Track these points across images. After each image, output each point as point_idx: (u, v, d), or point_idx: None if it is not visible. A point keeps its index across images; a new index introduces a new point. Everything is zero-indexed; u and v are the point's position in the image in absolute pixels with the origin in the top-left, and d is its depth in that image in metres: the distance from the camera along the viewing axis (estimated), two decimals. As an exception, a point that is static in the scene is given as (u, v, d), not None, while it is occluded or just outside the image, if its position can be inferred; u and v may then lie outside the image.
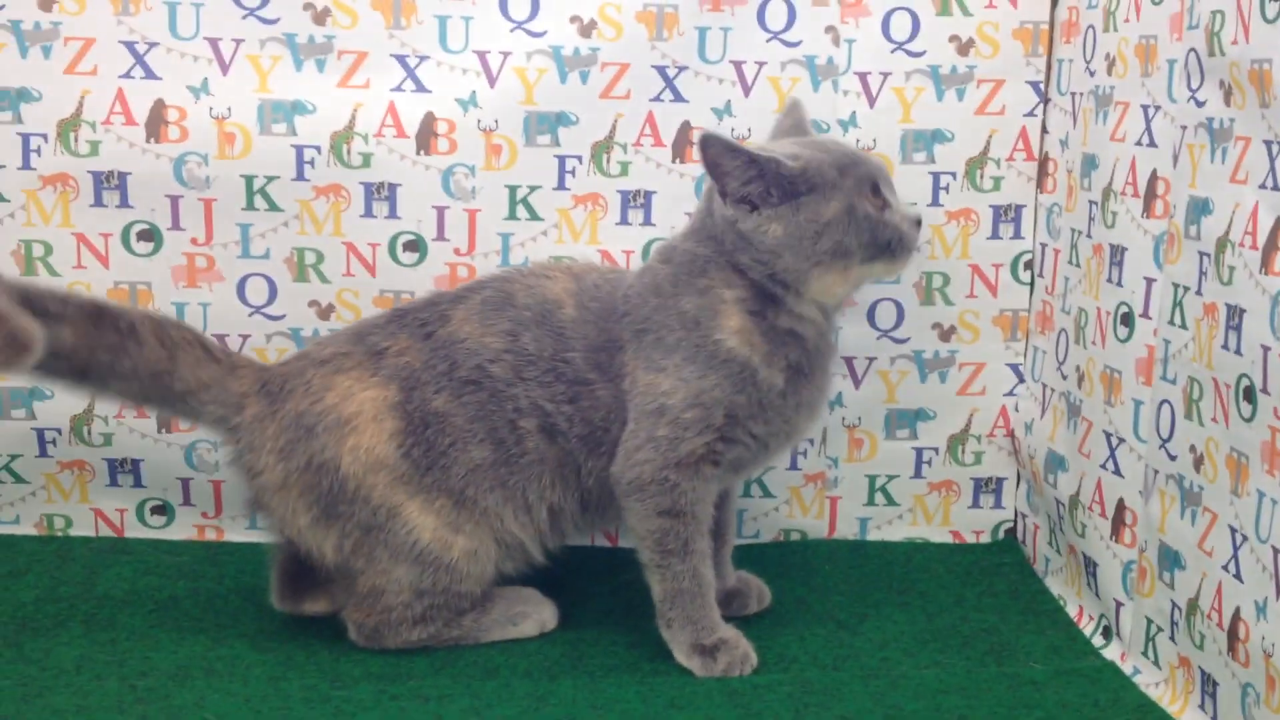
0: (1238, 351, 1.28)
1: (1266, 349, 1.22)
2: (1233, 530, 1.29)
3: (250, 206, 1.72)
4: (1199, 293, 1.37)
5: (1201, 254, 1.37)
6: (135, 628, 1.58)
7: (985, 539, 1.91)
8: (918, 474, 1.88)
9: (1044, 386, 1.78)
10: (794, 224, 1.44)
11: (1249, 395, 1.26)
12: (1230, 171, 1.31)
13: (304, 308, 1.76)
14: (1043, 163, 1.80)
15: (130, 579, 1.72)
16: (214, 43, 1.70)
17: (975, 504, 1.90)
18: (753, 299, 1.48)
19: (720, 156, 1.42)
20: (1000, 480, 1.89)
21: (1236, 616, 1.28)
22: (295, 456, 1.49)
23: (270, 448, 1.50)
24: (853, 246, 1.45)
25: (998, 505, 1.90)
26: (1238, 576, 1.28)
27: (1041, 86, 1.78)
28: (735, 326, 1.47)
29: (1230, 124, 1.32)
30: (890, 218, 1.47)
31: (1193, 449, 1.38)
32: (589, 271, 1.58)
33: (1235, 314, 1.29)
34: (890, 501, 1.88)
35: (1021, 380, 1.85)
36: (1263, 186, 1.26)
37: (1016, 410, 1.86)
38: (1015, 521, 1.90)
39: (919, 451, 1.87)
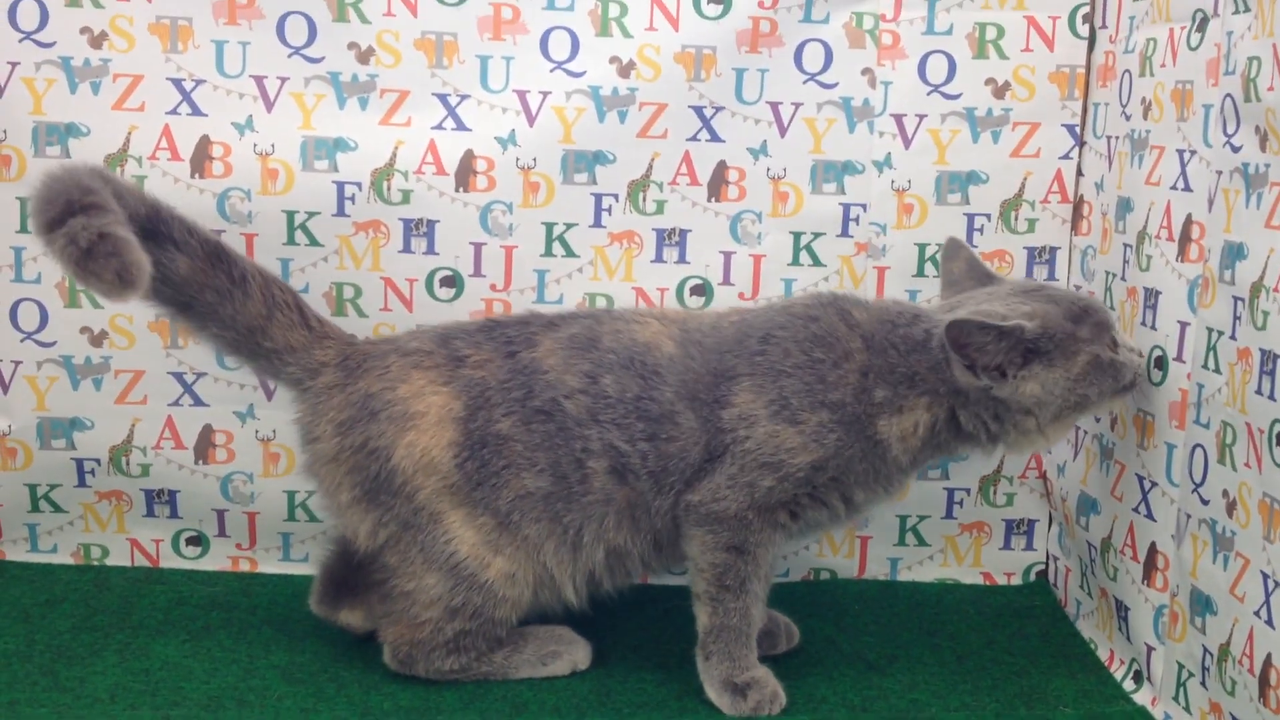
0: (1271, 397, 1.28)
1: (1301, 394, 1.22)
2: (1265, 576, 1.28)
3: (291, 241, 1.75)
4: (1233, 337, 1.37)
5: (1236, 298, 1.37)
6: (169, 657, 1.60)
7: (1016, 581, 1.90)
8: (949, 514, 1.87)
9: (1077, 429, 1.77)
10: (1048, 381, 1.46)
11: (1282, 440, 1.25)
12: (1266, 217, 1.32)
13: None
14: (1077, 205, 1.80)
15: (165, 609, 1.74)
16: (259, 80, 1.73)
17: (1007, 545, 1.89)
18: (943, 429, 1.50)
19: (970, 337, 1.43)
20: (1032, 522, 1.89)
21: (1268, 663, 1.27)
22: (353, 434, 1.53)
23: (332, 418, 1.54)
24: (1095, 395, 1.48)
25: (1029, 547, 1.89)
26: (1269, 623, 1.27)
27: (1077, 129, 1.78)
28: (906, 431, 1.49)
29: (1266, 169, 1.32)
30: (1125, 357, 1.50)
31: (1225, 494, 1.37)
32: (689, 319, 1.58)
33: (1269, 359, 1.29)
34: (921, 542, 1.88)
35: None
36: (1292, 231, 1.26)
37: (1049, 452, 1.85)
38: (1047, 564, 1.90)
39: (950, 492, 1.86)
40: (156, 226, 1.50)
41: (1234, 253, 1.37)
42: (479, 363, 1.53)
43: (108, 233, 1.35)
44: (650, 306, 1.68)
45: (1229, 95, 1.39)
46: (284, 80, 1.72)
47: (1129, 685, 1.58)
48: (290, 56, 1.72)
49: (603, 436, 1.50)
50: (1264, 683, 1.27)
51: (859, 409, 1.47)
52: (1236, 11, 1.38)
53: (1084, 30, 1.76)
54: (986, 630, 1.75)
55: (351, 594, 1.63)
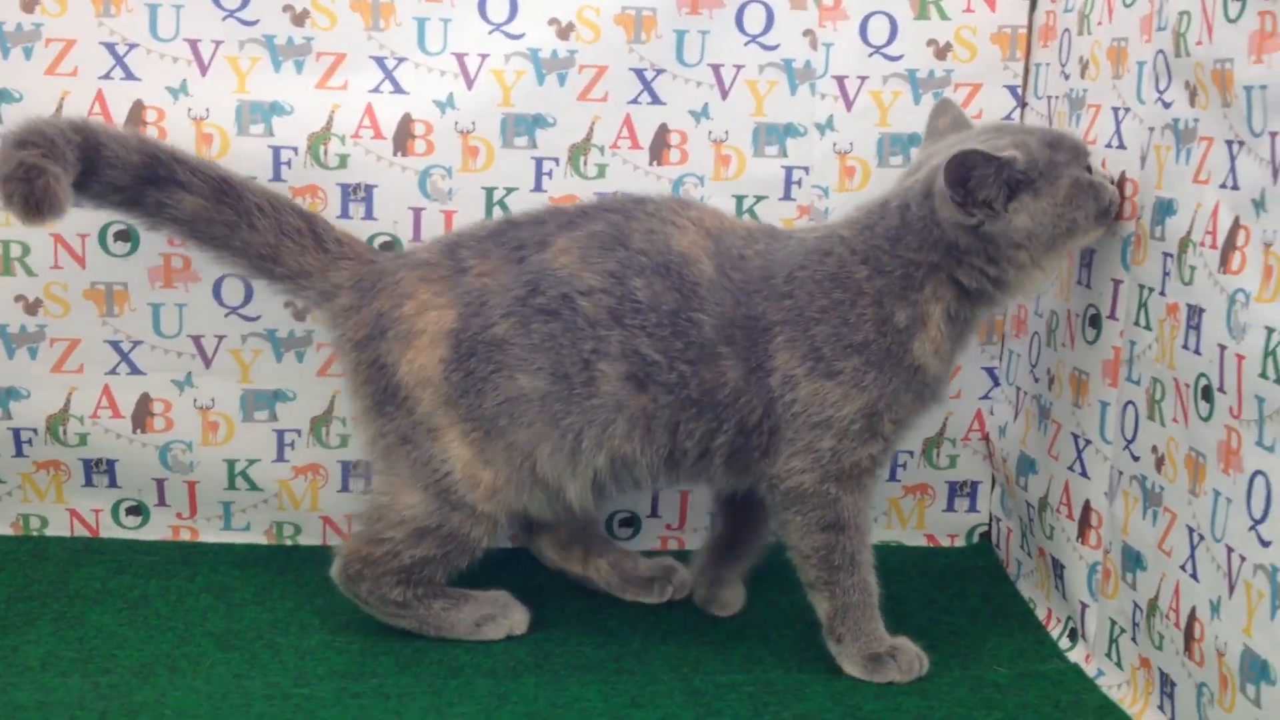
0: (1197, 351, 1.28)
1: (1223, 348, 1.22)
2: (1190, 530, 1.28)
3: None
4: (1163, 293, 1.37)
5: (1165, 254, 1.37)
6: (104, 626, 1.59)
7: (960, 543, 1.91)
8: (892, 477, 1.88)
9: (1018, 389, 1.78)
10: (1036, 211, 1.42)
11: (1207, 394, 1.26)
12: (1193, 172, 1.32)
13: (279, 308, 1.77)
14: (1018, 167, 1.80)
15: (102, 578, 1.72)
16: (193, 44, 1.71)
17: (950, 508, 1.90)
18: (957, 306, 1.47)
19: (974, 169, 1.39)
20: (975, 484, 1.89)
21: (1193, 616, 1.27)
22: (367, 350, 1.56)
23: (350, 337, 1.58)
24: (1082, 220, 1.44)
25: (972, 509, 1.90)
26: (1194, 576, 1.28)
27: (1019, 90, 1.78)
28: (933, 337, 1.46)
29: (1195, 124, 1.32)
30: (1102, 180, 1.47)
31: (1154, 449, 1.38)
32: (727, 233, 1.53)
33: (1195, 314, 1.29)
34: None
35: (997, 384, 1.85)
36: (1223, 186, 1.26)
37: (991, 414, 1.86)
38: (990, 525, 1.90)
39: (894, 455, 1.86)
40: (156, 171, 1.54)
41: (1164, 209, 1.37)
42: (483, 272, 1.52)
43: (29, 163, 1.41)
44: (684, 199, 1.62)
45: (1161, 51, 1.39)
46: (218, 44, 1.70)
47: (1064, 643, 1.58)
48: (225, 19, 1.70)
49: (626, 341, 1.47)
50: (1189, 636, 1.28)
51: (887, 342, 1.44)
52: (1167, -32, 1.38)
53: (1025, -10, 1.76)
54: (927, 591, 1.75)
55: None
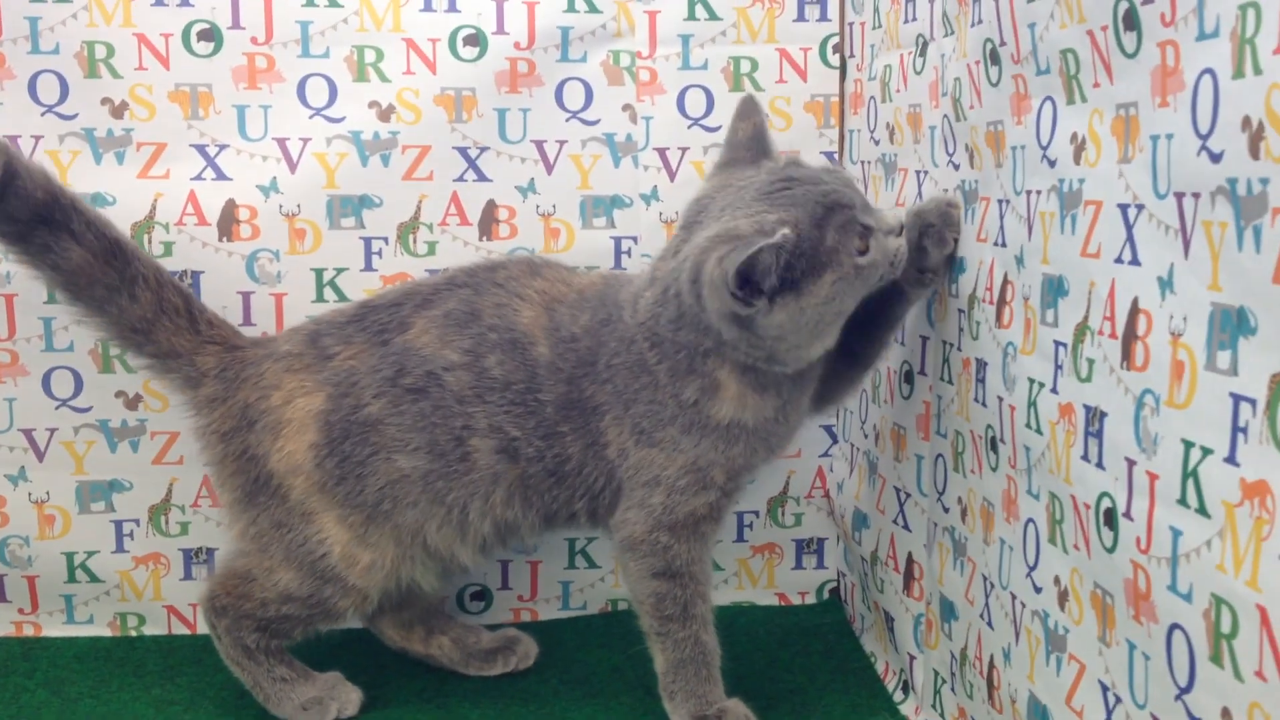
0: (983, 404, 1.32)
1: (1000, 399, 1.26)
2: (984, 578, 1.31)
3: (51, 300, 1.71)
4: (959, 348, 1.41)
5: (959, 311, 1.41)
6: None
7: (810, 599, 1.93)
8: (740, 537, 1.90)
9: (852, 445, 1.81)
10: (795, 311, 1.33)
11: (994, 445, 1.29)
12: (976, 230, 1.36)
13: (110, 398, 1.76)
14: (840, 229, 1.84)
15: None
16: (13, 140, 1.70)
17: (799, 565, 1.92)
18: (747, 369, 1.41)
19: (759, 268, 1.29)
20: (822, 540, 1.92)
21: (991, 664, 1.30)
22: (234, 441, 1.55)
23: (215, 428, 1.56)
24: (849, 304, 1.37)
25: (820, 565, 1.92)
26: (990, 624, 1.30)
27: (835, 156, 1.83)
28: (731, 395, 1.43)
29: (975, 185, 1.37)
30: (875, 254, 1.35)
31: (959, 500, 1.41)
32: (559, 303, 1.53)
33: (981, 367, 1.33)
34: (715, 567, 1.90)
35: (835, 440, 1.88)
36: (996, 244, 1.30)
37: (831, 470, 1.89)
38: (838, 581, 1.92)
39: (739, 515, 1.89)
40: (53, 213, 1.51)
41: (957, 267, 1.42)
42: (349, 355, 1.53)
43: None
44: (529, 259, 1.60)
45: (945, 115, 1.44)
46: (38, 139, 1.70)
47: (899, 696, 1.60)
48: (44, 114, 1.70)
49: (489, 416, 1.49)
50: (990, 684, 1.31)
51: (688, 414, 1.44)
52: (946, 35, 1.43)
53: (835, 60, 1.81)
54: (772, 650, 1.77)
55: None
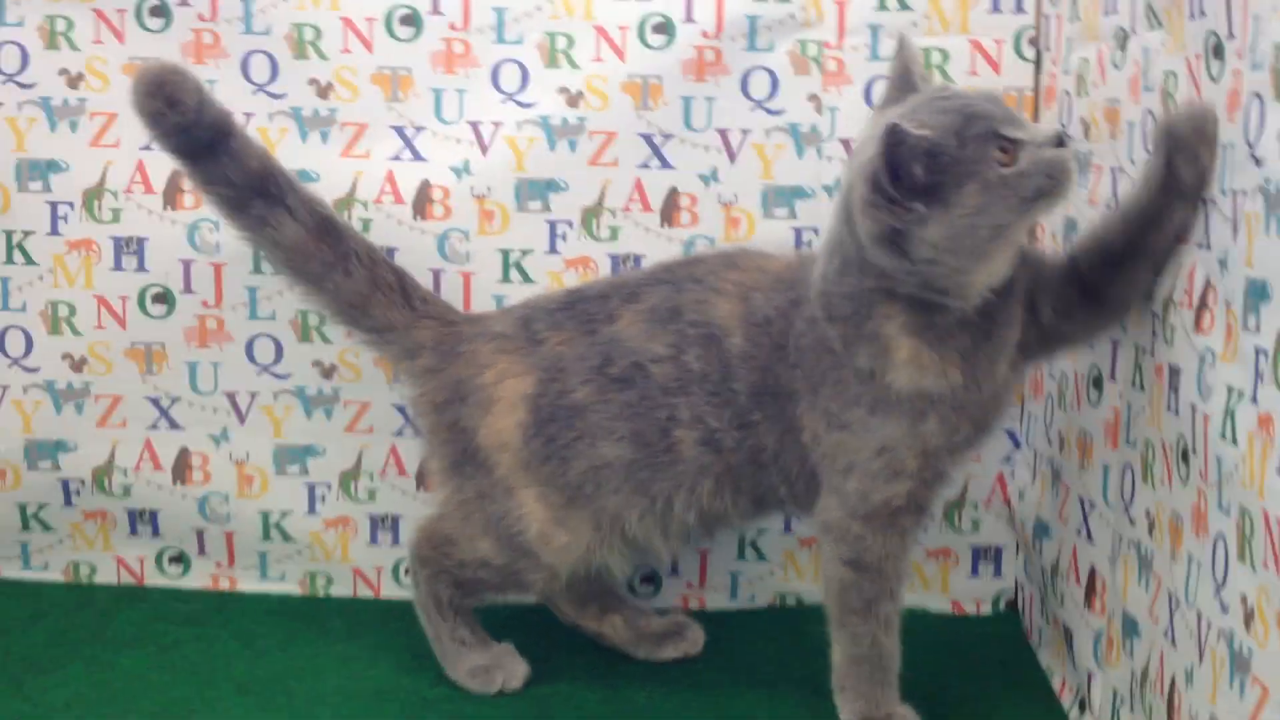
0: (1176, 412, 1.26)
1: (1194, 408, 1.20)
2: (1169, 595, 1.26)
3: (257, 270, 1.81)
4: (1152, 354, 1.35)
5: (1154, 314, 1.35)
6: (132, 670, 1.65)
7: (986, 609, 1.88)
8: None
9: (1035, 452, 1.76)
10: (945, 222, 1.29)
11: (1185, 456, 1.23)
12: (1178, 232, 1.30)
13: (308, 367, 1.84)
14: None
15: (139, 624, 1.79)
16: (230, 115, 1.79)
17: (975, 573, 1.87)
18: (914, 315, 1.37)
19: (904, 159, 1.26)
20: (999, 549, 1.86)
21: (1172, 685, 1.24)
22: (446, 413, 1.61)
23: (430, 398, 1.62)
24: (1006, 218, 1.30)
25: (997, 574, 1.87)
26: (1173, 642, 1.24)
27: (1032, 151, 1.77)
28: (905, 357, 1.37)
29: (1178, 184, 1.31)
30: (1026, 164, 1.29)
31: (1147, 513, 1.35)
32: (755, 290, 1.52)
33: (1175, 374, 1.27)
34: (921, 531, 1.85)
35: (1018, 446, 1.83)
36: (1200, 245, 1.24)
37: (1013, 477, 1.83)
38: (1016, 592, 1.87)
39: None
40: (267, 186, 1.58)
41: (1151, 269, 1.36)
42: (559, 342, 1.57)
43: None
44: (727, 252, 1.62)
45: (1149, 111, 1.38)
46: (249, 116, 1.79)
47: (1075, 714, 1.55)
48: (254, 93, 1.79)
49: (693, 408, 1.51)
50: (1170, 706, 1.25)
51: (869, 390, 1.40)
52: (1151, 28, 1.37)
53: (1030, 53, 1.75)
54: (944, 659, 1.72)
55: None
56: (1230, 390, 1.12)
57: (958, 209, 1.29)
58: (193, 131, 1.53)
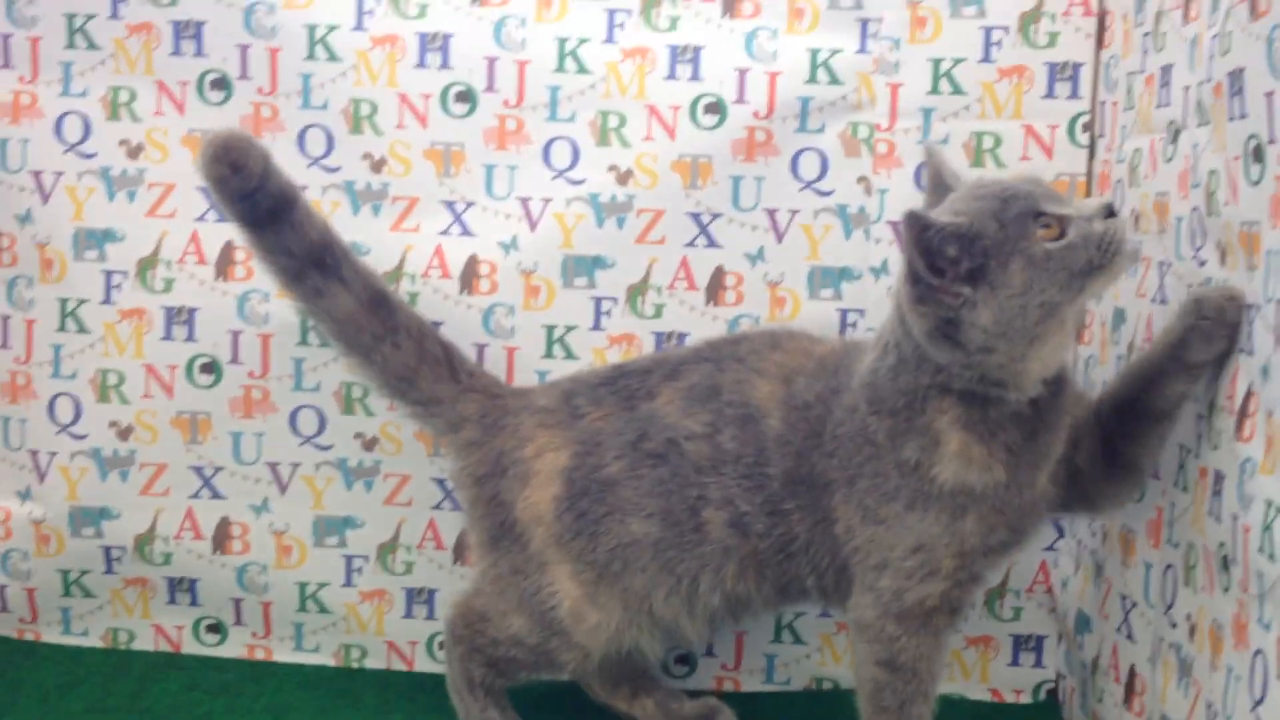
0: (1218, 518, 1.24)
1: (1235, 517, 1.18)
2: (1208, 705, 1.23)
3: (304, 341, 1.83)
4: (1197, 455, 1.33)
5: (1199, 415, 1.33)
6: (166, 739, 1.67)
7: (1026, 699, 1.84)
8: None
9: (1078, 542, 1.73)
10: (995, 305, 1.29)
11: (1225, 564, 1.21)
12: (1223, 333, 1.28)
13: (350, 438, 1.85)
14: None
15: (175, 693, 1.80)
16: (282, 189, 1.82)
17: (1015, 661, 1.84)
18: (968, 409, 1.36)
19: (936, 246, 1.29)
20: (1041, 638, 1.83)
21: (1209, 796, 1.21)
22: (487, 486, 1.62)
23: (472, 471, 1.63)
24: (1057, 295, 1.29)
25: (1038, 664, 1.83)
26: (1213, 753, 1.22)
27: (1080, 238, 1.76)
28: (954, 450, 1.36)
29: (1225, 285, 1.29)
30: (1074, 236, 1.29)
31: (1188, 617, 1.32)
32: (798, 374, 1.51)
33: (1218, 479, 1.25)
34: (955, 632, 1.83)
35: (1061, 535, 1.80)
36: (1243, 351, 1.23)
37: (1056, 565, 1.80)
38: (1056, 682, 1.83)
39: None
40: (324, 257, 1.60)
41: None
42: (598, 417, 1.58)
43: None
44: (771, 332, 1.61)
45: (1196, 208, 1.37)
46: (303, 188, 1.79)
47: (1114, 814, 1.51)
48: (309, 166, 1.82)
49: (724, 489, 1.50)
50: (1210, 820, 1.22)
51: (911, 483, 1.38)
52: (1200, 124, 1.36)
53: (1084, 139, 1.74)
54: (983, 748, 1.70)
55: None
56: (1269, 505, 1.10)
57: (1005, 289, 1.28)
58: (255, 198, 1.55)
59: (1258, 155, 1.18)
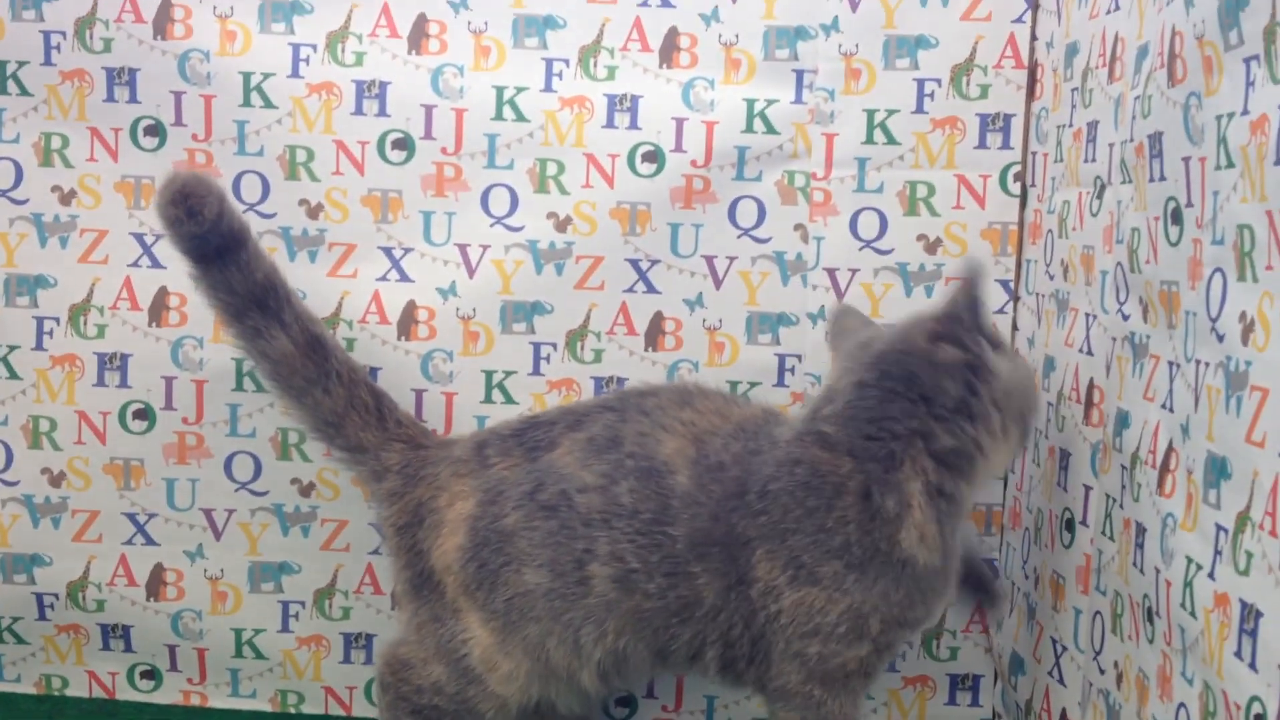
0: (1142, 570, 1.26)
1: (1158, 570, 1.20)
2: (1134, 757, 1.25)
3: (239, 387, 1.82)
4: (1121, 506, 1.36)
5: (1122, 467, 1.36)
6: (100, 790, 1.65)
7: (962, 738, 1.87)
8: (892, 668, 1.85)
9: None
10: (1009, 370, 1.44)
11: (1150, 616, 1.23)
12: (1144, 387, 1.31)
13: (286, 484, 1.84)
14: (1012, 359, 1.80)
15: (110, 741, 1.79)
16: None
17: (952, 701, 1.86)
18: (937, 479, 1.41)
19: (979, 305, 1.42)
20: (978, 677, 1.85)
21: None
22: (406, 535, 1.61)
23: (394, 521, 1.63)
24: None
25: (975, 703, 1.86)
26: (1139, 806, 1.24)
27: (1011, 285, 1.79)
28: (918, 520, 1.39)
29: (1147, 340, 1.32)
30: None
31: (1115, 665, 1.35)
32: (711, 434, 1.51)
33: (1140, 532, 1.27)
34: (866, 695, 1.85)
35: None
36: (1164, 407, 1.25)
37: (991, 606, 1.82)
38: (992, 721, 1.86)
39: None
40: (267, 299, 1.60)
41: (1122, 421, 1.37)
42: (504, 467, 1.58)
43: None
44: (682, 389, 1.61)
45: (1119, 264, 1.40)
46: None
47: None
48: (245, 212, 1.80)
49: (613, 544, 1.48)
50: None
51: (873, 539, 1.39)
52: (1123, 181, 1.39)
53: (1015, 189, 1.78)
54: (918, 791, 1.72)
55: None
56: (1189, 562, 1.12)
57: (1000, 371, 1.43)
58: (206, 238, 1.55)
59: (1175, 218, 1.21)
